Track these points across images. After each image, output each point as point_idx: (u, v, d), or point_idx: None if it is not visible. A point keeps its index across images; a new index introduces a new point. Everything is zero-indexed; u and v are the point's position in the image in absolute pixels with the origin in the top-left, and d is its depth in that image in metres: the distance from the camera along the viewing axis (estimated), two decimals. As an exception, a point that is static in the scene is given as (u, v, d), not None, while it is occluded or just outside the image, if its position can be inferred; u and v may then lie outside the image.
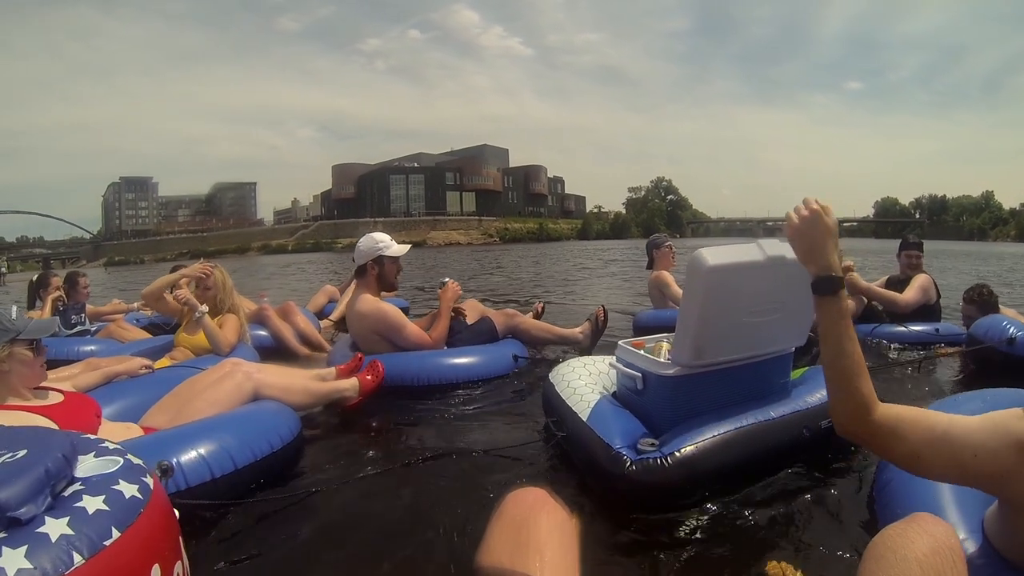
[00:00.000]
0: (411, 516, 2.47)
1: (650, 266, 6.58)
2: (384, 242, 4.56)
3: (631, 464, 2.42)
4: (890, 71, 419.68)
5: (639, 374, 2.80)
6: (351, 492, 2.69)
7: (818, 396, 2.87)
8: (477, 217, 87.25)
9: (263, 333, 5.36)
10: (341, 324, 6.89)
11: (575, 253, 35.80)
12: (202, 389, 3.01)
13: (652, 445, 2.50)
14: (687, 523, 2.35)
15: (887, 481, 2.19)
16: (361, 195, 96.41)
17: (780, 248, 2.42)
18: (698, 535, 2.29)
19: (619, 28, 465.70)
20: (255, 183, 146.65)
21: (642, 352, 2.92)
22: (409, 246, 4.72)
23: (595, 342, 5.11)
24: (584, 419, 2.76)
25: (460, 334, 4.88)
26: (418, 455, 3.03)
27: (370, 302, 4.44)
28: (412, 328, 4.48)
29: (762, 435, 2.65)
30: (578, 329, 5.18)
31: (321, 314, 7.28)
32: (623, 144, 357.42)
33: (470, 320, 5.12)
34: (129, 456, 1.54)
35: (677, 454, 2.43)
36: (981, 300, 5.17)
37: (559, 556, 1.18)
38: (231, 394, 3.02)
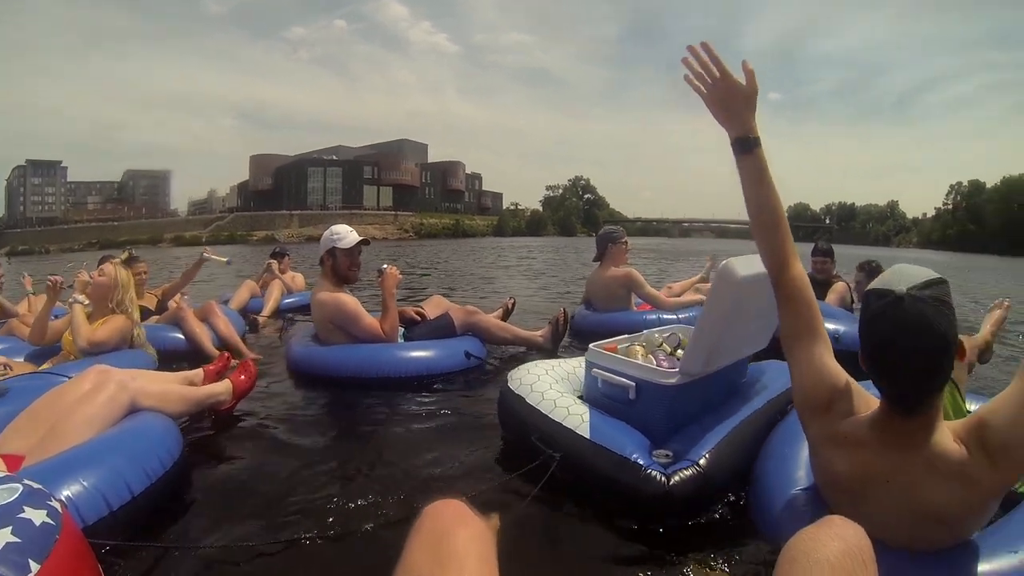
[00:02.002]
0: (340, 530, 2.25)
1: (599, 260, 5.94)
2: (339, 234, 4.46)
3: (668, 480, 2.28)
4: (809, 85, 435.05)
5: (632, 383, 2.68)
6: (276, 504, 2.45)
7: (780, 384, 2.96)
8: (393, 212, 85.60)
9: (179, 335, 5.00)
10: (277, 316, 7.01)
11: (489, 249, 35.20)
12: (72, 405, 2.56)
13: (667, 456, 2.42)
14: (607, 527, 2.32)
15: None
16: (279, 187, 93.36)
17: None
18: (618, 538, 2.26)
19: (549, 31, 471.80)
20: (170, 171, 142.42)
21: (619, 356, 2.85)
22: (361, 239, 4.53)
23: (556, 345, 4.98)
24: (588, 436, 2.55)
25: (418, 328, 4.83)
26: (355, 465, 2.88)
27: (327, 292, 4.38)
28: (368, 320, 4.38)
29: (753, 429, 2.66)
30: (539, 332, 5.05)
31: (245, 311, 7.00)
32: (545, 144, 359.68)
33: (432, 315, 5.02)
34: (27, 481, 1.44)
35: (705, 459, 2.37)
36: (870, 268, 5.68)
37: (478, 568, 1.17)
38: (107, 409, 2.62)
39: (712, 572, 2.01)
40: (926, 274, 1.60)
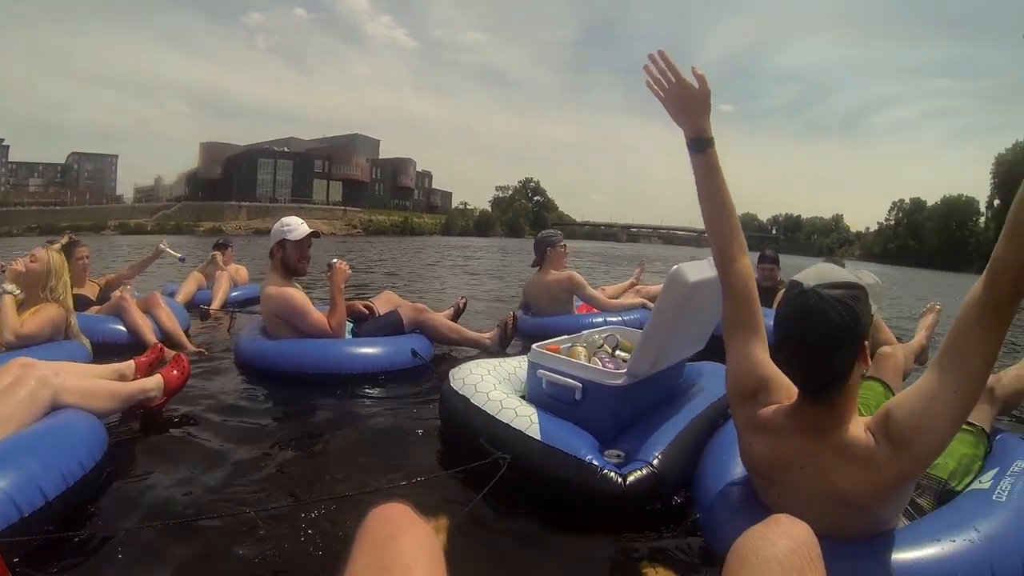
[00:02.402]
0: (277, 534, 2.16)
1: (538, 264, 5.87)
2: (290, 226, 4.42)
3: (625, 479, 2.33)
4: (761, 99, 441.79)
5: (579, 384, 2.70)
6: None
7: (718, 386, 2.97)
8: (343, 207, 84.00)
9: (119, 327, 4.84)
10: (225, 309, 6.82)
11: (437, 248, 34.75)
12: None
13: (619, 456, 2.46)
14: (554, 527, 2.33)
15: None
16: (228, 177, 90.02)
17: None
18: (568, 539, 2.29)
19: (507, 31, 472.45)
20: (117, 156, 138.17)
21: (563, 357, 2.89)
22: (311, 231, 4.49)
23: (504, 348, 4.91)
24: (538, 438, 2.54)
25: (366, 324, 4.80)
26: (295, 466, 2.83)
27: (275, 285, 4.33)
28: (316, 315, 4.33)
29: (700, 430, 2.73)
30: (487, 335, 5.02)
31: (192, 303, 6.88)
32: (497, 144, 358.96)
33: (382, 311, 4.99)
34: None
35: (659, 458, 2.42)
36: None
37: (426, 575, 1.15)
38: (26, 406, 2.47)
39: (661, 571, 2.02)
40: (842, 276, 1.72)
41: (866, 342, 1.69)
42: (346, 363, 4.14)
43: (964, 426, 2.30)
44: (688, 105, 2.03)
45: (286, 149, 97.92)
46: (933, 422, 1.59)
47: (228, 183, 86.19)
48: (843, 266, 5.56)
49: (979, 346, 1.58)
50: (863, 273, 1.91)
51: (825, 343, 1.67)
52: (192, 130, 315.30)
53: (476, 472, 2.51)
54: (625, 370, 2.69)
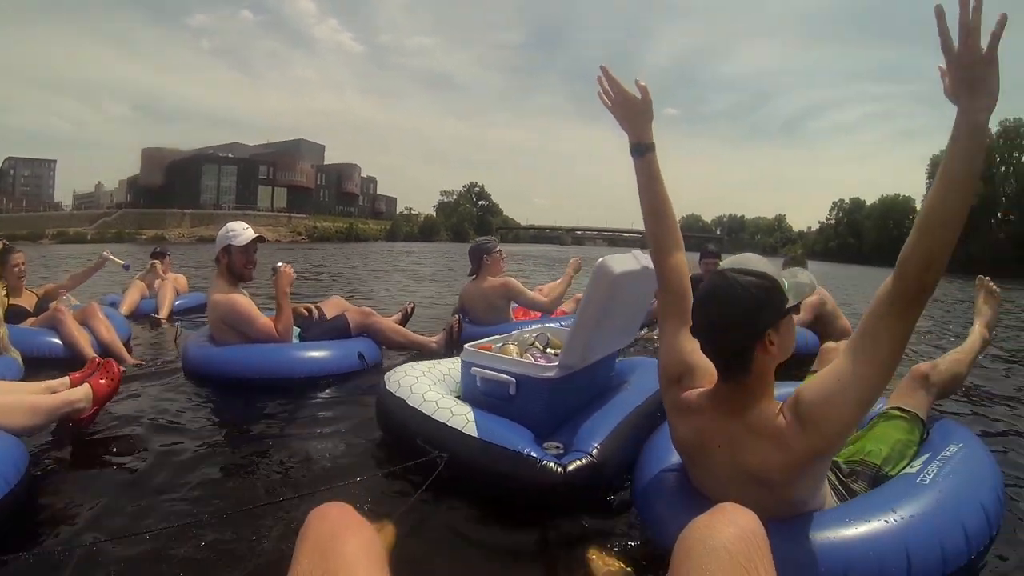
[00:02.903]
0: (220, 537, 2.12)
1: (474, 272, 5.82)
2: (235, 231, 4.38)
3: (564, 468, 2.37)
4: (705, 104, 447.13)
5: (512, 379, 2.77)
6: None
7: (653, 379, 2.89)
8: (287, 214, 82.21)
9: (55, 340, 4.65)
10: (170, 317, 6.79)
11: (382, 254, 34.83)
12: None
13: (558, 448, 2.52)
14: (498, 523, 2.37)
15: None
16: (171, 183, 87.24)
17: (646, 259, 2.68)
18: (511, 533, 2.32)
19: (454, 35, 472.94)
20: (55, 161, 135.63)
21: (503, 356, 2.94)
22: (256, 236, 4.45)
23: (451, 352, 4.73)
24: (475, 435, 2.57)
25: (313, 328, 4.79)
26: (238, 470, 2.81)
27: (221, 292, 4.31)
28: (262, 320, 4.31)
29: (641, 420, 2.81)
30: (433, 339, 5.08)
31: (137, 313, 6.86)
32: (443, 149, 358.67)
33: (330, 315, 4.99)
34: None
35: (597, 449, 2.47)
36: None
37: None
38: None
39: (608, 559, 2.06)
40: (758, 265, 1.84)
41: (771, 332, 1.78)
42: (293, 368, 4.14)
43: (898, 413, 2.50)
44: (631, 114, 2.18)
45: (230, 155, 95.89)
46: (839, 404, 1.68)
47: (171, 189, 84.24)
48: (806, 266, 5.77)
49: (887, 335, 1.66)
50: (800, 272, 1.95)
51: (722, 321, 1.80)
52: (134, 135, 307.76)
53: (415, 472, 2.55)
54: (557, 363, 2.76)
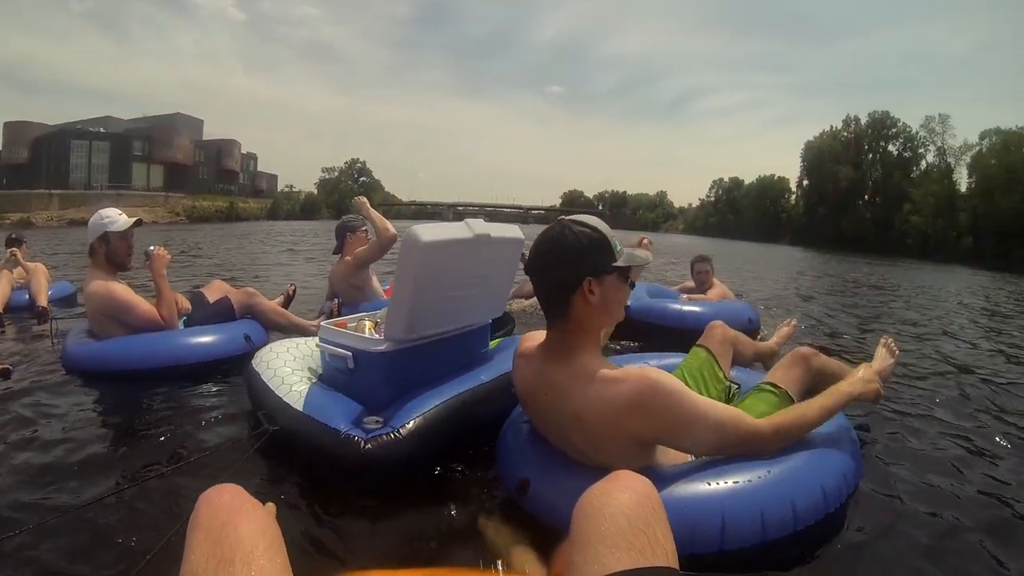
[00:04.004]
0: (96, 544, 2.06)
1: (339, 251, 5.66)
2: (110, 217, 4.17)
3: (365, 444, 2.41)
4: (590, 82, 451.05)
5: (349, 353, 2.81)
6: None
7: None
8: (164, 193, 78.13)
9: None
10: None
11: (263, 234, 33.92)
12: None
13: (377, 422, 2.54)
14: (403, 495, 2.42)
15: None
16: (37, 161, 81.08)
17: (485, 227, 2.75)
18: (415, 504, 2.38)
19: (339, 5, 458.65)
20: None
21: (347, 331, 2.98)
22: (134, 220, 4.29)
23: None
24: (300, 409, 2.66)
25: (197, 314, 4.70)
26: (122, 463, 2.74)
27: (98, 282, 4.09)
28: (143, 307, 4.16)
29: (476, 400, 2.82)
30: (314, 323, 4.99)
31: (8, 307, 6.32)
32: (325, 124, 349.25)
33: (212, 299, 4.92)
34: None
35: (408, 426, 2.49)
36: (702, 258, 7.00)
37: (268, 562, 1.13)
38: None
39: (499, 526, 2.14)
40: (596, 223, 2.03)
41: (593, 282, 1.97)
42: (178, 355, 4.04)
43: (770, 387, 2.69)
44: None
45: (102, 129, 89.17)
46: (674, 437, 2.02)
47: (36, 168, 77.95)
48: (710, 265, 6.83)
49: (739, 445, 2.03)
50: (641, 250, 2.15)
51: (549, 258, 2.01)
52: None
53: (264, 447, 2.65)
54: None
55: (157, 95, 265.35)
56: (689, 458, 2.18)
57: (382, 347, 2.76)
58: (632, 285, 2.11)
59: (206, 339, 4.22)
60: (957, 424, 3.67)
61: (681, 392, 1.92)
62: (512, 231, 3.05)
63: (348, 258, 5.46)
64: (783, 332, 4.14)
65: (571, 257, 1.98)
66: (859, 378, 2.42)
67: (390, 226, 5.12)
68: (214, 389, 3.83)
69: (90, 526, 2.15)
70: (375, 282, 5.64)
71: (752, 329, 5.84)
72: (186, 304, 4.67)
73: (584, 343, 2.06)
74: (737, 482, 1.94)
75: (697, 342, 3.18)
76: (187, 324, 4.58)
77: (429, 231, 2.53)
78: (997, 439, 3.42)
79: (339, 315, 4.88)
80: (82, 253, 4.62)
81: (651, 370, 1.96)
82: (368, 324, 3.12)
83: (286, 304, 5.33)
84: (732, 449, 2.03)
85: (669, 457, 2.13)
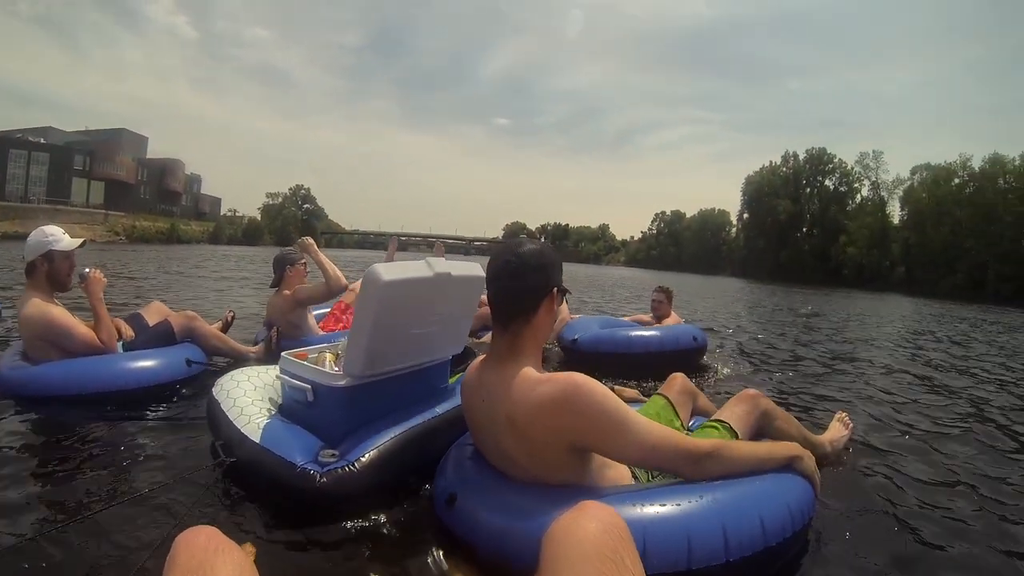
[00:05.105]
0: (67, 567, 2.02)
1: (277, 284, 5.46)
2: (55, 235, 4.07)
3: (321, 477, 2.42)
4: (536, 115, 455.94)
5: (308, 386, 2.80)
6: None
7: None
8: (104, 211, 74.37)
9: None
10: None
11: (204, 258, 32.72)
12: None
13: (333, 455, 2.53)
14: (364, 528, 2.41)
15: None
16: None
17: (446, 266, 2.78)
18: (377, 536, 2.37)
19: (291, 29, 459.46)
20: None
21: (308, 363, 2.96)
22: (82, 240, 4.23)
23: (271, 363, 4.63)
24: (257, 440, 2.65)
25: (138, 337, 4.56)
26: (62, 499, 2.57)
27: (36, 305, 3.94)
28: (82, 330, 4.05)
29: (431, 432, 2.85)
30: (253, 349, 5.05)
31: None
32: (271, 149, 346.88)
33: (152, 322, 4.81)
34: None
35: (362, 459, 2.52)
36: (665, 289, 7.06)
37: None
38: None
39: (459, 563, 2.14)
40: (534, 249, 2.18)
41: (555, 292, 2.20)
42: (119, 379, 3.95)
43: (712, 423, 2.75)
44: None
45: (43, 140, 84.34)
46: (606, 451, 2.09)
47: None
48: (670, 298, 6.98)
49: (664, 462, 2.09)
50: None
51: (531, 262, 2.14)
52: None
53: (223, 479, 2.67)
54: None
55: (102, 108, 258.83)
56: (630, 479, 2.26)
57: (342, 382, 2.77)
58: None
59: (147, 363, 4.14)
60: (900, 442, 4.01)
61: (607, 396, 1.99)
62: (473, 269, 3.04)
63: (287, 292, 5.33)
64: (837, 428, 3.60)
65: (548, 266, 2.17)
66: (803, 452, 2.36)
67: (342, 276, 5.10)
68: (155, 414, 3.74)
69: (30, 565, 2.04)
70: (311, 318, 5.55)
71: (698, 348, 6.09)
72: (127, 330, 4.60)
73: (530, 350, 2.19)
74: (701, 500, 1.98)
75: (658, 391, 3.16)
76: (127, 347, 4.47)
77: (389, 270, 2.57)
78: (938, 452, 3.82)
79: (277, 343, 4.96)
80: (12, 269, 4.45)
81: (577, 374, 2.03)
82: (329, 357, 3.11)
83: (224, 329, 5.33)
84: (666, 463, 2.07)
85: (608, 476, 2.17)
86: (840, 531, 2.64)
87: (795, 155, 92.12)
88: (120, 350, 4.34)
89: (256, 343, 5.22)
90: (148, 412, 3.77)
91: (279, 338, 5.06)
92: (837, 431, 3.42)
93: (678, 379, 3.17)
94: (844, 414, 3.55)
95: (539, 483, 2.06)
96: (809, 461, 2.35)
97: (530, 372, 2.10)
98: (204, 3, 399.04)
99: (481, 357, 2.37)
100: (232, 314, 5.64)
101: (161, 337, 4.66)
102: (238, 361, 4.92)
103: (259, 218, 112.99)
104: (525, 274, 2.14)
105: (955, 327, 16.92)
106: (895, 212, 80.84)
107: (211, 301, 10.93)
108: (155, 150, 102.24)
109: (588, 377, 2.02)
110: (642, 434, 1.99)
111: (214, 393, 3.10)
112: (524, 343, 2.18)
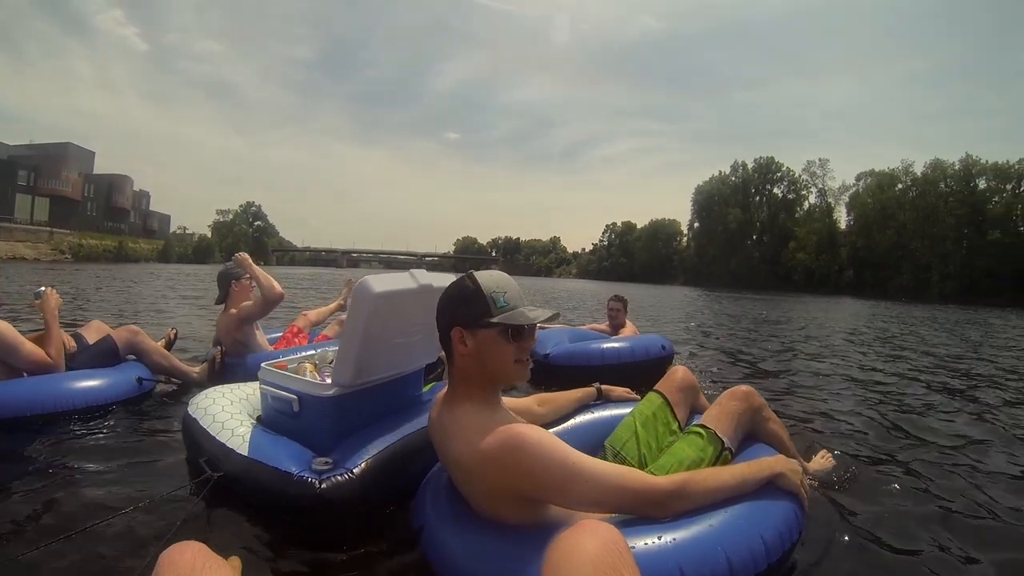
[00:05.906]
0: None
1: (223, 301, 5.31)
2: None
3: (320, 484, 2.43)
4: (486, 129, 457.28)
5: (295, 397, 2.82)
6: None
7: None
8: (49, 228, 71.26)
9: None
10: None
11: (153, 276, 31.59)
12: None
13: (327, 463, 2.55)
14: (350, 541, 2.39)
15: None
16: None
17: (428, 277, 2.79)
18: (362, 551, 2.35)
19: (242, 43, 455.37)
20: None
21: (288, 373, 2.97)
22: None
23: (213, 383, 4.39)
24: (245, 453, 2.65)
25: (81, 355, 4.43)
26: (29, 524, 2.46)
27: None
28: (29, 347, 3.91)
29: (419, 440, 2.77)
30: (196, 369, 4.93)
31: None
32: (222, 165, 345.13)
33: (92, 340, 4.64)
34: None
35: (359, 466, 2.54)
36: (620, 298, 7.25)
37: None
38: None
39: None
40: (488, 278, 2.10)
41: (464, 332, 2.05)
42: (65, 399, 3.81)
43: (698, 429, 2.63)
44: None
45: None
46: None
47: None
48: (622, 301, 7.21)
49: (624, 504, 1.94)
50: (535, 309, 2.14)
51: (437, 307, 2.15)
52: None
53: (195, 493, 2.60)
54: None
55: (47, 121, 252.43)
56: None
57: (329, 392, 2.77)
58: (522, 341, 2.06)
59: (96, 382, 4.04)
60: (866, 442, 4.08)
61: (552, 449, 1.85)
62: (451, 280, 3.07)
63: (233, 311, 5.18)
64: (820, 461, 3.42)
65: (444, 307, 2.12)
66: (790, 465, 2.20)
67: (276, 285, 4.96)
68: (107, 433, 3.63)
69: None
70: (259, 336, 5.39)
71: (666, 356, 6.15)
72: (70, 343, 4.47)
73: (469, 393, 2.09)
74: (695, 527, 1.90)
75: (655, 386, 2.99)
76: (69, 365, 4.27)
77: (380, 282, 2.60)
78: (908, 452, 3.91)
79: (221, 363, 4.93)
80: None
81: (520, 426, 1.91)
82: (309, 367, 3.12)
83: (167, 348, 5.23)
84: (627, 509, 1.94)
85: (578, 514, 1.95)
86: (828, 550, 2.55)
87: (744, 164, 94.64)
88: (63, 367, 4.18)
89: (204, 363, 5.08)
90: (102, 432, 3.64)
91: (223, 357, 4.98)
92: (820, 464, 3.26)
93: (679, 372, 3.02)
94: (828, 454, 3.40)
95: (501, 522, 1.99)
96: (793, 476, 2.16)
97: (472, 418, 2.02)
98: (155, 15, 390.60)
99: (444, 389, 2.29)
100: (175, 332, 5.54)
101: (105, 354, 4.54)
102: (182, 382, 4.87)
103: (209, 235, 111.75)
104: (439, 312, 2.15)
105: (925, 328, 17.47)
106: (842, 217, 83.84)
107: (154, 320, 10.56)
108: (102, 165, 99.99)
109: (531, 429, 1.90)
110: (594, 484, 1.85)
111: (190, 411, 3.07)
112: (459, 386, 2.13)
